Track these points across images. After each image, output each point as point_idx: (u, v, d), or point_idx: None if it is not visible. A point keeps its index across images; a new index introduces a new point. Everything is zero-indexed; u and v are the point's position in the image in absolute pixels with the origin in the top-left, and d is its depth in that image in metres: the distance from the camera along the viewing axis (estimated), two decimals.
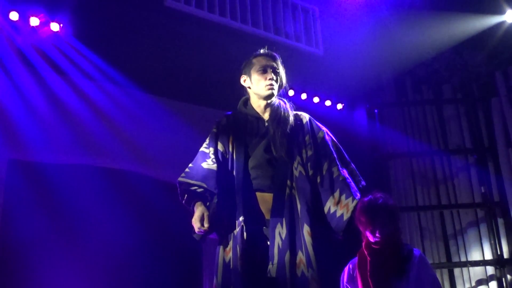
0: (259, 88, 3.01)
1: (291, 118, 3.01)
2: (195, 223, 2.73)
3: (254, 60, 3.07)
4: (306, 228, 2.74)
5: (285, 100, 3.11)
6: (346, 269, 3.69)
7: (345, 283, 3.66)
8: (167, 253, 5.59)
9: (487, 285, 5.16)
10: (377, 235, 3.42)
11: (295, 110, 3.09)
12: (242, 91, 3.15)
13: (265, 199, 2.84)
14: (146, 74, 5.39)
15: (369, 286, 3.43)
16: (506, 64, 5.53)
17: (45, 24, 4.69)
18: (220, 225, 2.81)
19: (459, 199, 5.54)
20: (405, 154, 5.91)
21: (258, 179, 2.86)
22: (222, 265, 2.77)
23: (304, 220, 2.76)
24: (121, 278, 5.36)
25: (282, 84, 3.08)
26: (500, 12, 5.33)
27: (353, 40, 5.51)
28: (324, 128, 3.06)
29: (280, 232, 2.73)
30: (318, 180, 2.88)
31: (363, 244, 3.55)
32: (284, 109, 3.03)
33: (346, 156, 3.03)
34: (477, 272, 5.23)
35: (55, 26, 4.71)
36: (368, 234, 3.47)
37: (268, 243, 2.75)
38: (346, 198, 2.80)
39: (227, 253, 2.77)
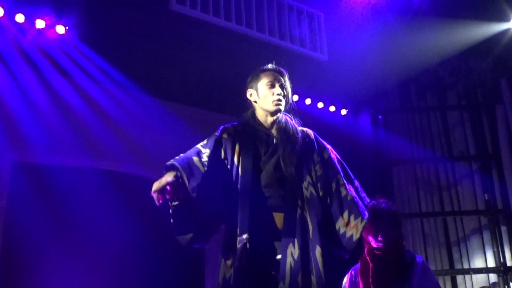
0: (266, 103, 2.99)
1: (300, 136, 3.00)
2: (154, 185, 2.67)
3: (262, 75, 3.04)
4: (318, 249, 2.75)
5: (291, 116, 3.09)
6: (348, 275, 3.68)
7: None
8: (169, 255, 5.58)
9: None
10: (379, 239, 3.42)
11: (300, 126, 3.09)
12: (246, 95, 3.12)
13: (276, 218, 2.82)
14: (150, 77, 5.40)
15: None
16: (511, 71, 5.52)
17: (51, 26, 4.70)
18: (196, 224, 2.80)
19: (462, 206, 5.53)
20: (409, 160, 5.90)
21: (269, 198, 2.84)
22: (223, 281, 2.76)
23: (315, 241, 2.76)
24: (123, 279, 5.37)
25: (288, 100, 3.07)
26: (506, 19, 5.32)
27: (358, 46, 5.51)
28: (328, 146, 3.07)
29: (292, 252, 2.72)
30: (328, 201, 2.89)
31: (366, 250, 3.54)
32: (292, 126, 3.02)
33: (350, 173, 3.05)
34: (479, 280, 5.21)
35: (60, 29, 4.72)
36: (370, 239, 3.46)
37: (278, 257, 2.74)
38: (355, 218, 2.83)
39: (228, 269, 2.75)
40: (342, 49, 5.63)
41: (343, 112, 6.31)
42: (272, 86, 2.99)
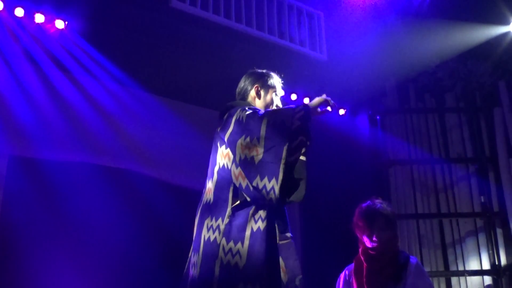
0: (266, 106, 3.13)
1: None
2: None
3: (276, 83, 3.20)
4: None
5: None
6: (342, 275, 3.68)
7: None
8: (167, 250, 5.58)
9: None
10: (374, 239, 3.43)
11: None
12: (251, 87, 3.18)
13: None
14: (149, 74, 5.40)
15: None
16: (510, 74, 5.54)
17: (50, 21, 4.70)
18: None
19: (458, 208, 5.54)
20: (406, 161, 5.91)
21: None
22: None
23: None
24: (120, 275, 5.36)
25: None
26: (505, 22, 5.34)
27: (357, 46, 5.51)
28: None
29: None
30: None
31: (360, 250, 3.55)
32: None
33: None
34: (474, 282, 5.22)
35: (60, 24, 4.71)
36: (365, 239, 3.47)
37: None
38: None
39: None
40: (341, 49, 5.64)
41: (341, 112, 6.31)
42: (278, 97, 3.21)
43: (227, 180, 2.81)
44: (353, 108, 6.37)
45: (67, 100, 5.18)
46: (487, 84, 5.71)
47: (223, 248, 2.68)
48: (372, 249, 3.46)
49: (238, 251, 2.67)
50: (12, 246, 4.84)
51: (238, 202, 2.76)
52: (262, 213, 2.72)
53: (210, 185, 2.89)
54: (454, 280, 5.38)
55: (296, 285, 2.68)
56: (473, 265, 5.28)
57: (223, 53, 5.29)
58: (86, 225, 5.21)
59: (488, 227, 5.28)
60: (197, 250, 2.78)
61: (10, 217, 4.80)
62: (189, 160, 5.50)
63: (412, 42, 5.51)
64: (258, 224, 2.71)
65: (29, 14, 4.62)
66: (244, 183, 2.73)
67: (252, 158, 2.71)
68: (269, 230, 2.70)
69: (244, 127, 2.79)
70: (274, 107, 3.13)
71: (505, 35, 5.40)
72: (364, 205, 3.53)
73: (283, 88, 3.26)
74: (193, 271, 2.76)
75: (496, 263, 5.15)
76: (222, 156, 2.88)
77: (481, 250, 5.29)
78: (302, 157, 2.79)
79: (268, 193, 2.64)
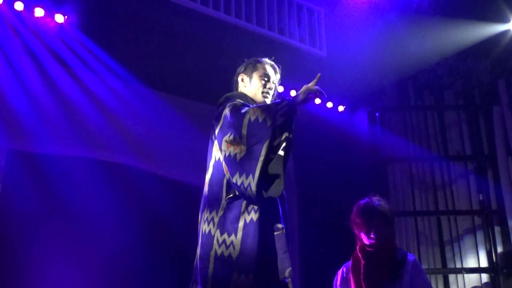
0: (255, 92, 3.16)
1: None
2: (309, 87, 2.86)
3: (259, 65, 3.21)
4: None
5: None
6: (340, 272, 3.69)
7: (338, 285, 3.66)
8: (166, 246, 5.58)
9: None
10: (371, 236, 3.43)
11: None
12: (237, 78, 3.27)
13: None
14: (149, 69, 5.39)
15: None
16: (509, 72, 5.53)
17: (49, 15, 4.69)
18: None
19: (456, 206, 5.54)
20: (405, 158, 5.91)
21: None
22: None
23: None
24: (118, 270, 5.36)
25: (274, 96, 3.23)
26: (505, 20, 5.33)
27: (357, 43, 5.51)
28: None
29: None
30: None
31: (358, 247, 3.56)
32: None
33: None
34: (472, 279, 5.23)
35: (59, 18, 4.71)
36: (363, 236, 3.48)
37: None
38: None
39: None
40: (341, 46, 5.63)
41: (340, 108, 6.31)
42: (266, 79, 3.17)
43: (221, 173, 2.85)
44: (352, 105, 6.37)
45: (66, 95, 5.18)
46: (486, 82, 5.70)
47: (217, 240, 2.74)
48: (369, 246, 3.47)
49: (231, 242, 2.72)
50: (11, 239, 4.84)
51: (232, 194, 2.79)
52: (254, 205, 2.76)
53: (207, 178, 2.95)
54: (451, 277, 5.39)
55: (286, 277, 2.69)
56: (470, 262, 5.29)
57: (222, 49, 5.29)
58: (84, 219, 5.22)
59: (486, 225, 5.28)
60: (198, 242, 2.86)
61: (9, 211, 4.80)
62: (188, 155, 5.51)
63: (411, 39, 5.50)
64: (251, 215, 2.75)
65: (29, 8, 4.62)
66: (229, 178, 2.79)
67: (235, 155, 2.76)
68: (262, 221, 2.74)
69: (229, 123, 2.85)
70: (266, 90, 3.15)
71: (504, 33, 5.39)
72: (362, 202, 3.54)
73: (282, 84, 3.28)
74: (196, 263, 2.85)
75: (494, 261, 5.15)
76: (217, 150, 2.92)
77: (478, 248, 5.29)
78: (280, 152, 2.79)
79: (245, 189, 2.68)
